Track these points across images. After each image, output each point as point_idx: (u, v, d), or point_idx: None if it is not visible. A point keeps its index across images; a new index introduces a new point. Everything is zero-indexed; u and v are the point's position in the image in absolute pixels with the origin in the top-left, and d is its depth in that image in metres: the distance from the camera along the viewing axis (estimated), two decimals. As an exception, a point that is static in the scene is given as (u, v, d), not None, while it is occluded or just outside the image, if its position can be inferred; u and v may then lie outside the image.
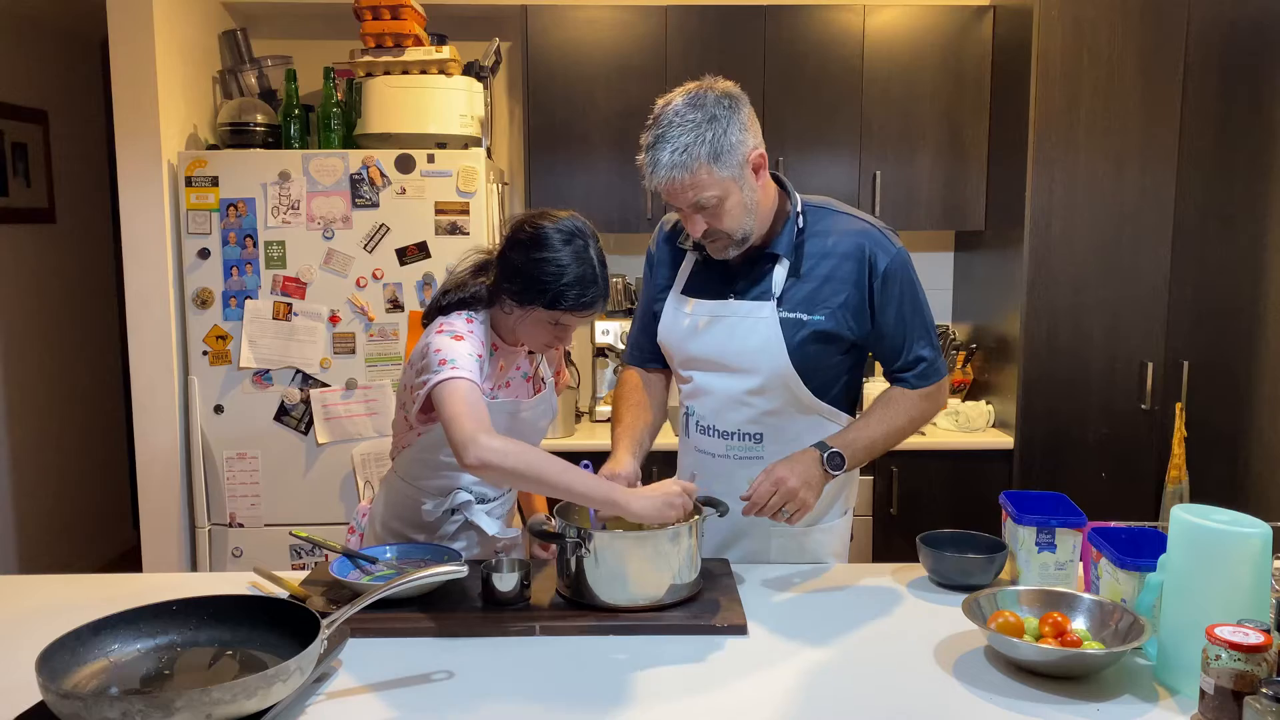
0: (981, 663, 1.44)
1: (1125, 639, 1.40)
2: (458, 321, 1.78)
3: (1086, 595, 1.52)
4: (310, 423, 3.09)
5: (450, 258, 2.93)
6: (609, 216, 3.39)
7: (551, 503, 1.87)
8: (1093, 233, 3.11)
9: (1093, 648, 1.40)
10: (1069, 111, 3.07)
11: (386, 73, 3.12)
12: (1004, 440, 3.23)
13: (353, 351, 3.08)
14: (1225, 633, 1.20)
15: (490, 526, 1.90)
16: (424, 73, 3.13)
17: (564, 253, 1.73)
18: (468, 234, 3.03)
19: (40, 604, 1.69)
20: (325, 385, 3.09)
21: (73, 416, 4.33)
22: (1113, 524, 1.67)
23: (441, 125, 3.13)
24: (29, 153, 4.03)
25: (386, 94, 3.11)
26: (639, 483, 1.78)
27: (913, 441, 3.19)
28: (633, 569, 1.58)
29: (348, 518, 3.11)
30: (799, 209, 1.81)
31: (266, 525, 3.12)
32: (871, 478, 3.22)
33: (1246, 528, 1.31)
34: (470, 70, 3.25)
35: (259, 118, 3.17)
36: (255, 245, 3.04)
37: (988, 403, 3.42)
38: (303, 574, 1.78)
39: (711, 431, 1.88)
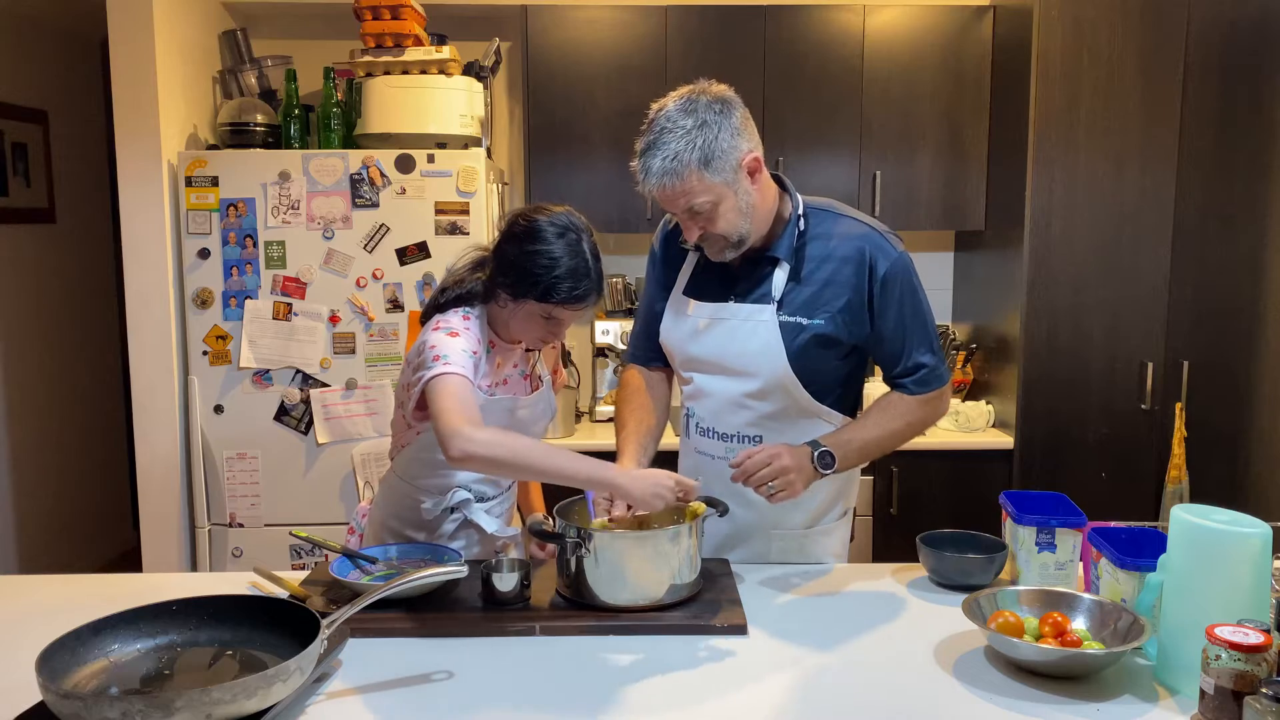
0: (981, 663, 1.44)
1: (1125, 639, 1.40)
2: (454, 318, 1.80)
3: (1086, 595, 1.52)
4: (310, 423, 3.09)
5: (450, 258, 2.91)
6: (609, 216, 3.39)
7: (550, 502, 1.87)
8: (1093, 233, 3.11)
9: (1093, 648, 1.40)
10: (1069, 111, 3.07)
11: (386, 73, 3.12)
12: (1004, 440, 3.23)
13: (353, 351, 3.08)
14: (1225, 633, 1.20)
15: (489, 525, 1.90)
16: (424, 73, 3.13)
17: (557, 245, 1.74)
18: (468, 234, 3.03)
19: (40, 604, 1.69)
20: (325, 385, 3.09)
21: (73, 416, 4.33)
22: (1113, 524, 1.67)
23: (441, 125, 3.13)
24: (29, 153, 4.03)
25: (386, 94, 3.11)
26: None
27: (913, 441, 3.15)
28: (633, 569, 1.58)
29: (348, 518, 3.10)
30: (800, 211, 1.80)
31: (266, 525, 3.12)
32: (871, 478, 3.22)
33: (1246, 528, 1.31)
34: (470, 70, 3.25)
35: (259, 118, 3.17)
36: (255, 245, 3.04)
37: (988, 403, 3.42)
38: (303, 574, 1.78)
39: (711, 433, 1.88)
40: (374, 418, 3.09)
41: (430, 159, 3.03)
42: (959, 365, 3.56)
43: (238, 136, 3.15)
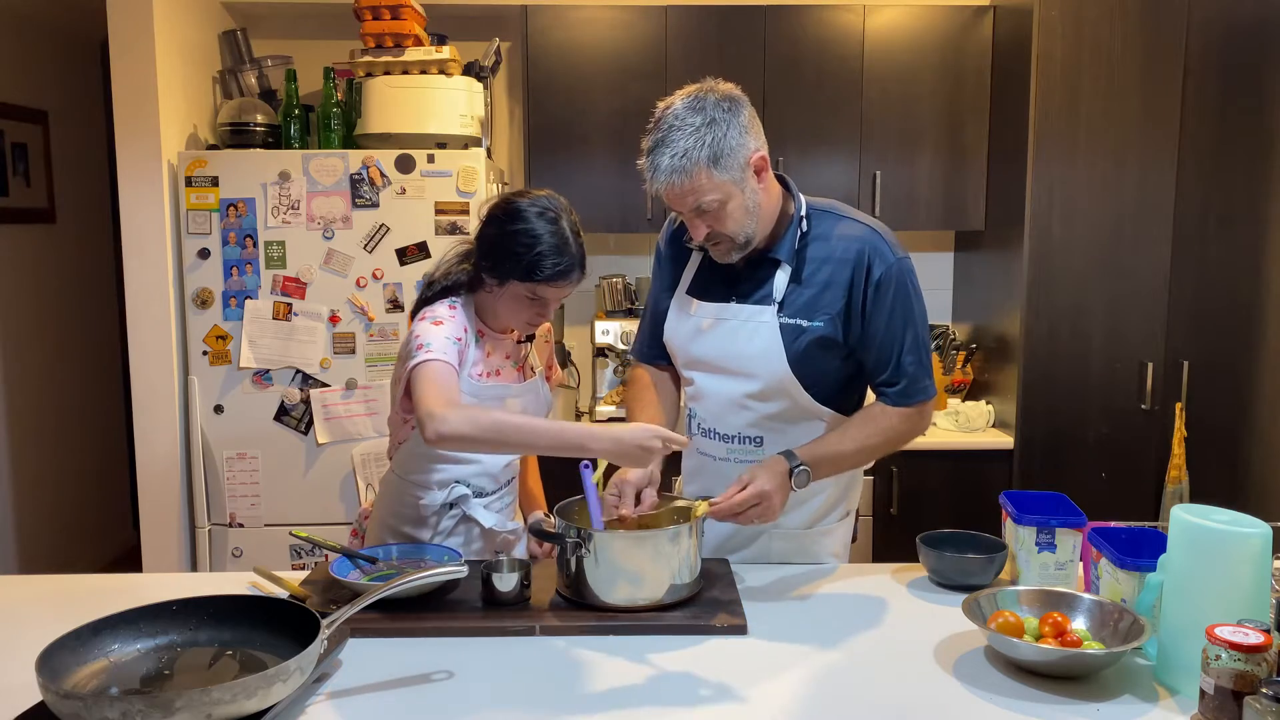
0: (981, 663, 1.44)
1: (1125, 639, 1.40)
2: (440, 308, 1.83)
3: (1086, 595, 1.52)
4: (310, 423, 3.09)
5: (450, 258, 2.93)
6: (609, 216, 3.39)
7: (552, 501, 1.88)
8: (1093, 233, 3.11)
9: (1093, 648, 1.40)
10: (1069, 111, 3.06)
11: (386, 73, 3.12)
12: (1004, 440, 3.23)
13: (353, 351, 3.08)
14: (1225, 633, 1.20)
15: (487, 520, 1.91)
16: (424, 73, 3.13)
17: (537, 224, 1.77)
18: (468, 234, 3.02)
19: (40, 604, 1.69)
20: (325, 385, 3.09)
21: (73, 416, 4.33)
22: (1113, 524, 1.67)
23: (441, 125, 3.13)
24: (29, 153, 4.03)
25: (386, 94, 3.10)
26: (659, 474, 1.76)
27: (913, 441, 3.19)
28: (632, 569, 1.58)
29: (348, 518, 3.12)
30: (803, 212, 1.79)
31: (266, 525, 3.12)
32: (872, 478, 3.22)
33: (1246, 528, 1.31)
34: (470, 70, 3.25)
35: (259, 118, 3.17)
36: (255, 245, 3.04)
37: (988, 403, 3.42)
38: (303, 574, 1.78)
39: (712, 434, 1.88)
40: (374, 418, 3.09)
41: (430, 159, 3.03)
42: (959, 365, 3.56)
43: (238, 136, 3.15)
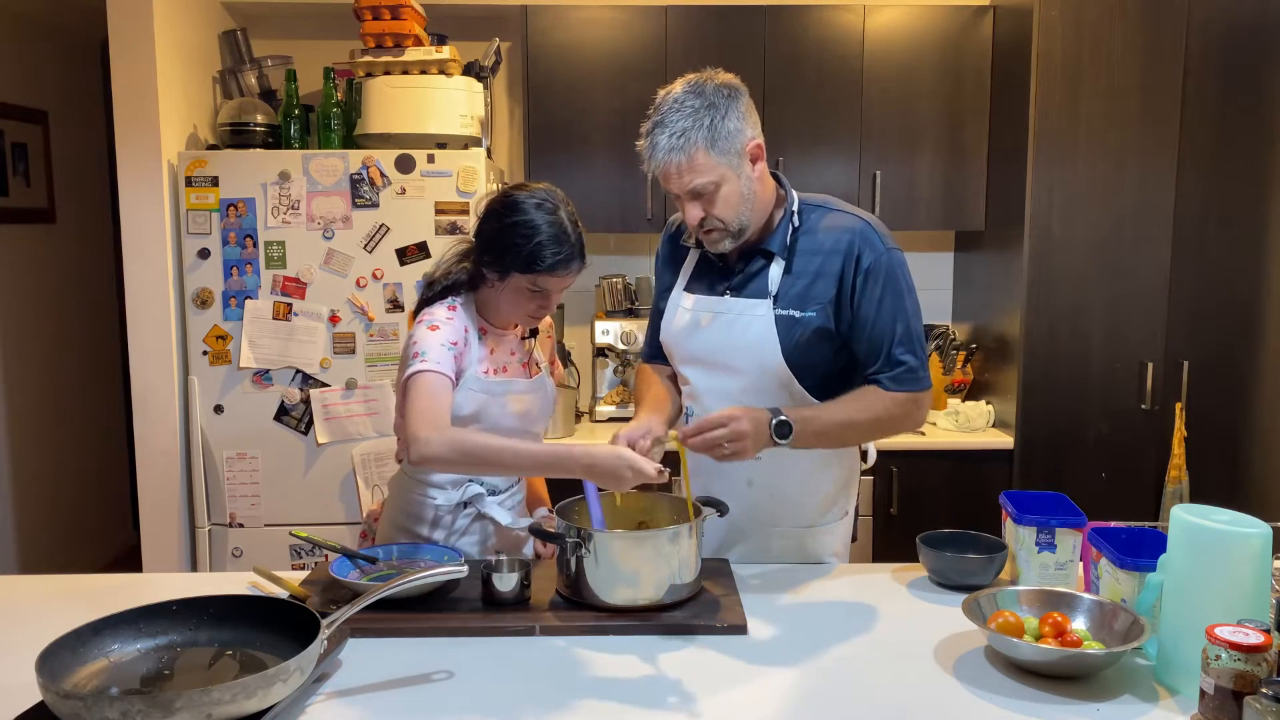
0: (981, 663, 1.44)
1: (1125, 639, 1.40)
2: (439, 310, 1.84)
3: (1086, 595, 1.52)
4: (310, 423, 3.09)
5: (450, 258, 2.94)
6: (609, 216, 3.39)
7: (555, 497, 1.88)
8: (1093, 233, 3.11)
9: (1093, 648, 1.40)
10: (1069, 111, 3.06)
11: (386, 73, 3.12)
12: (1004, 440, 3.23)
13: (353, 351, 3.08)
14: (1225, 633, 1.20)
15: (503, 517, 1.91)
16: (424, 73, 3.13)
17: (535, 215, 1.78)
18: (468, 234, 3.02)
19: (40, 604, 1.69)
20: (325, 385, 3.08)
21: (73, 416, 4.33)
22: (1113, 524, 1.67)
23: (441, 125, 3.13)
24: (29, 153, 4.03)
25: (386, 94, 3.10)
26: (665, 433, 1.76)
27: (913, 441, 3.23)
28: (633, 569, 1.58)
29: (348, 518, 3.12)
30: (795, 207, 1.81)
31: (266, 525, 3.12)
32: (872, 478, 3.21)
33: (1246, 528, 1.31)
34: (470, 70, 3.25)
35: (259, 118, 3.17)
36: (255, 245, 3.04)
37: (988, 403, 3.41)
38: (303, 574, 1.78)
39: None
40: (374, 418, 3.09)
41: (430, 159, 3.03)
42: (959, 365, 3.55)
43: (238, 136, 3.15)
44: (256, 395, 3.08)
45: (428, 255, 3.04)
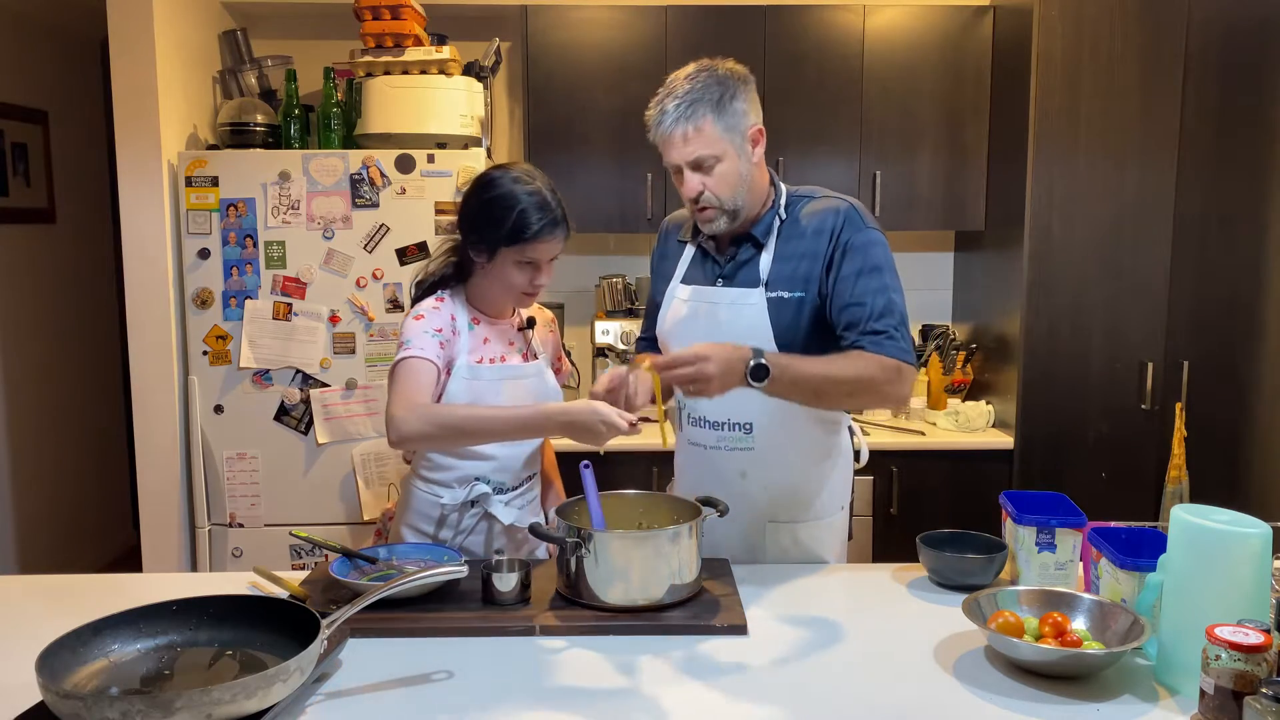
0: (981, 663, 1.44)
1: (1125, 639, 1.40)
2: (426, 302, 1.88)
3: (1086, 595, 1.52)
4: (310, 423, 3.09)
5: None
6: (609, 216, 3.39)
7: (570, 490, 1.88)
8: (1093, 233, 3.11)
9: (1093, 648, 1.40)
10: (1069, 111, 3.06)
11: (386, 73, 3.12)
12: (1004, 440, 3.23)
13: (353, 351, 3.08)
14: (1225, 633, 1.20)
15: (506, 516, 1.91)
16: (424, 73, 3.13)
17: (514, 188, 1.82)
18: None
19: (40, 604, 1.69)
20: (325, 385, 3.09)
21: (73, 416, 4.33)
22: (1113, 524, 1.67)
23: (441, 125, 3.13)
24: (29, 153, 4.03)
25: (386, 94, 3.11)
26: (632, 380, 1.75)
27: (913, 441, 3.23)
28: (633, 569, 1.58)
29: (348, 518, 3.12)
30: (783, 200, 1.86)
31: (266, 525, 3.12)
32: (871, 478, 3.21)
33: (1246, 528, 1.31)
34: (470, 70, 3.25)
35: (259, 118, 3.17)
36: (255, 245, 3.04)
37: (988, 403, 3.41)
38: (303, 574, 1.78)
39: (703, 423, 1.90)
40: (374, 418, 3.09)
41: (430, 159, 3.03)
42: (959, 365, 3.55)
43: (238, 136, 3.15)
44: (256, 395, 3.08)
45: (428, 255, 3.03)
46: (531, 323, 2.01)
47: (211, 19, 3.42)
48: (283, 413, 3.09)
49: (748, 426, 1.85)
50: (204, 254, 3.04)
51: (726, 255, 1.87)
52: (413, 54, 3.12)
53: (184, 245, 3.05)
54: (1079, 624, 1.48)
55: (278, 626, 1.36)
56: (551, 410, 1.70)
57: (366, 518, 3.10)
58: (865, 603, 1.70)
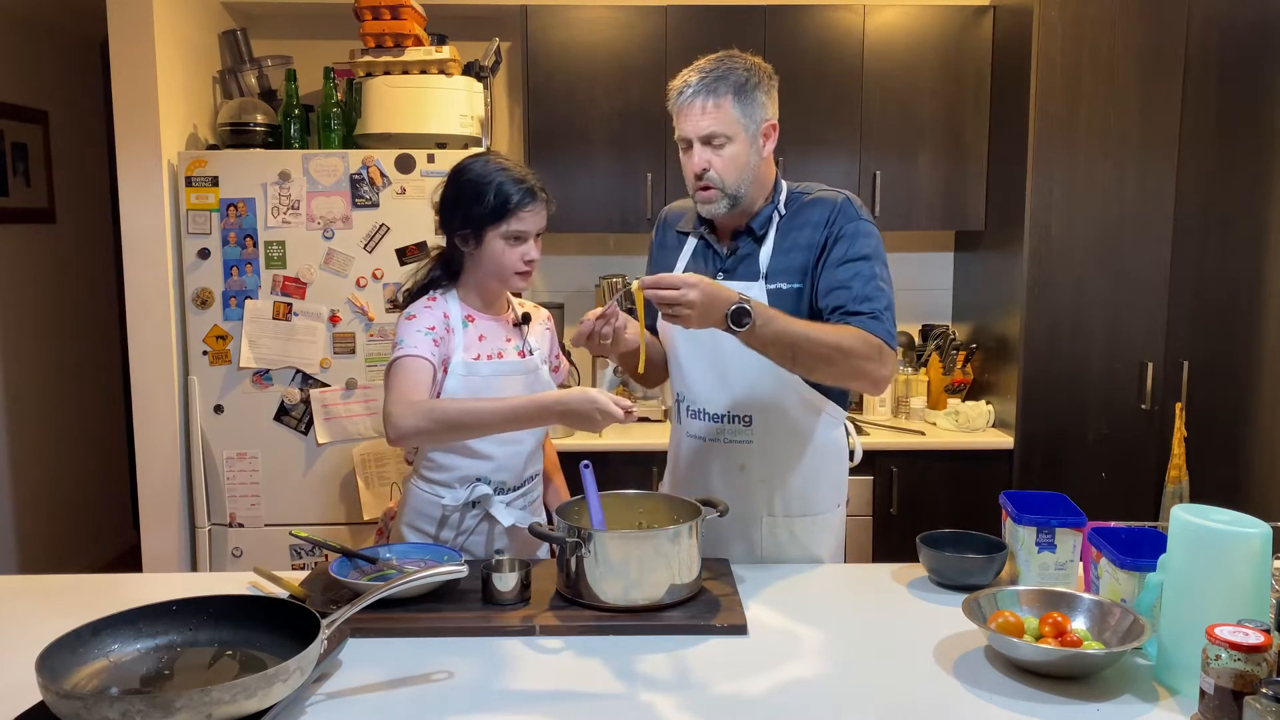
0: (981, 663, 1.44)
1: (1125, 639, 1.40)
2: (419, 302, 1.90)
3: (1086, 595, 1.52)
4: (310, 423, 3.09)
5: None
6: (609, 216, 3.39)
7: (573, 490, 1.88)
8: (1093, 233, 3.11)
9: (1093, 648, 1.40)
10: (1069, 111, 3.06)
11: (386, 73, 3.12)
12: (1004, 440, 3.23)
13: (353, 351, 3.08)
14: (1225, 633, 1.20)
15: (506, 518, 1.91)
16: (424, 73, 3.13)
17: (486, 168, 1.85)
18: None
19: (40, 604, 1.69)
20: (325, 385, 3.09)
21: (73, 416, 4.33)
22: (1113, 524, 1.67)
23: (441, 125, 3.13)
24: (29, 153, 4.03)
25: (386, 94, 3.11)
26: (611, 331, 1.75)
27: (913, 441, 3.23)
28: (632, 569, 1.58)
29: (348, 518, 3.12)
30: (783, 196, 1.88)
31: (266, 525, 3.12)
32: (871, 477, 3.22)
33: (1246, 528, 1.31)
34: (470, 70, 3.25)
35: (259, 118, 3.17)
36: (255, 245, 3.04)
37: (988, 403, 3.41)
38: (303, 574, 1.78)
39: (702, 414, 1.91)
40: (374, 418, 3.09)
41: (430, 159, 3.03)
42: (959, 365, 3.55)
43: (238, 136, 3.15)
44: (256, 395, 3.08)
45: (428, 255, 3.03)
46: (527, 318, 2.01)
47: (211, 19, 3.42)
48: (283, 413, 3.09)
49: (747, 420, 1.86)
50: (204, 254, 3.04)
51: (728, 249, 1.89)
52: (413, 54, 3.12)
53: (184, 245, 3.05)
54: (1079, 624, 1.48)
55: (278, 626, 1.36)
56: (547, 399, 1.71)
57: (367, 518, 3.10)
58: (865, 603, 1.70)
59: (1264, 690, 1.13)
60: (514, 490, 1.95)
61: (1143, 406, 3.15)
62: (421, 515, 1.93)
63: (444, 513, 1.91)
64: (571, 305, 3.74)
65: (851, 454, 2.01)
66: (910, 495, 3.24)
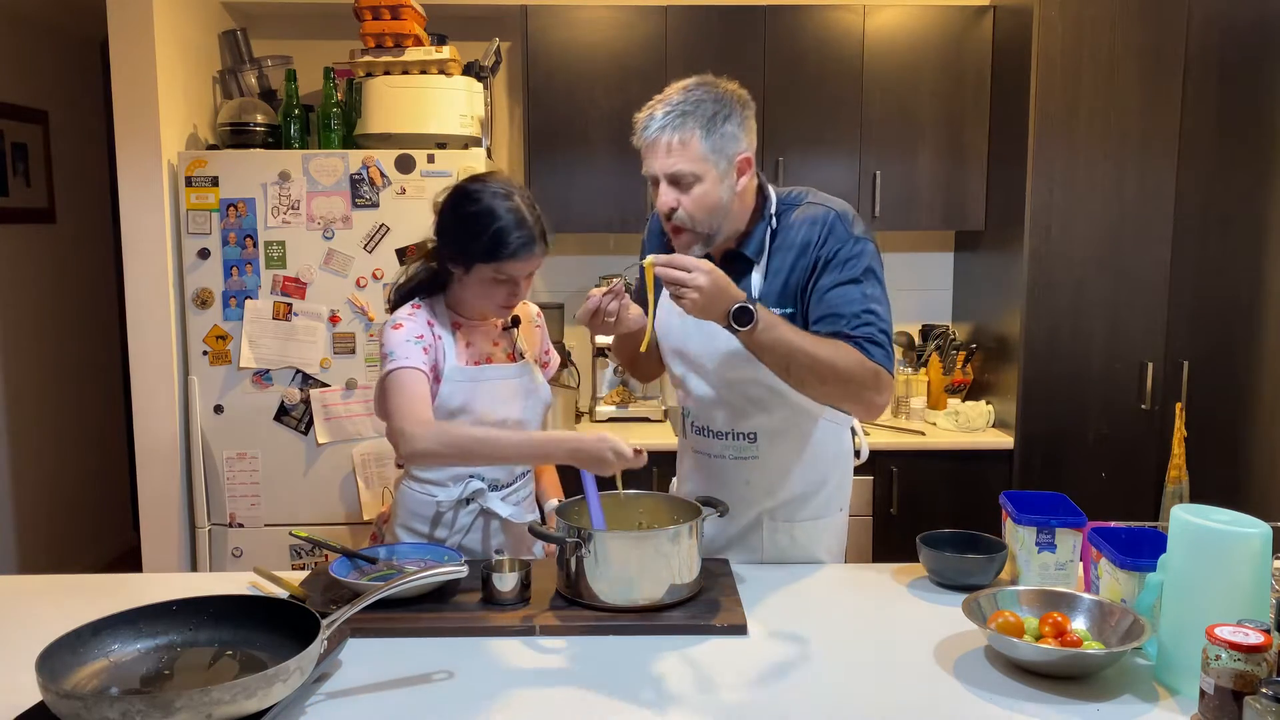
0: (981, 663, 1.44)
1: (1125, 639, 1.40)
2: (402, 310, 1.86)
3: (1086, 595, 1.52)
4: (310, 423, 3.09)
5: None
6: (609, 216, 3.38)
7: (571, 489, 1.88)
8: (1093, 233, 3.11)
9: (1093, 648, 1.40)
10: (1069, 111, 3.06)
11: (386, 73, 3.12)
12: (1004, 440, 3.23)
13: (353, 351, 3.08)
14: (1225, 633, 1.20)
15: (504, 510, 1.91)
16: (424, 73, 3.13)
17: (493, 203, 1.78)
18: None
19: (40, 604, 1.69)
20: (325, 385, 3.09)
21: (73, 416, 4.33)
22: (1113, 524, 1.67)
23: (441, 125, 3.13)
24: (29, 153, 4.03)
25: (386, 94, 3.11)
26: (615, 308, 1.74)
27: (913, 441, 3.23)
28: (632, 569, 1.58)
29: (348, 518, 3.12)
30: (773, 210, 1.80)
31: (266, 525, 3.12)
32: (871, 478, 3.22)
33: (1246, 528, 1.31)
34: (470, 70, 3.25)
35: (259, 118, 3.17)
36: (255, 245, 3.04)
37: (988, 403, 3.41)
38: (303, 574, 1.78)
39: (706, 431, 1.89)
40: (374, 418, 3.08)
41: (430, 159, 3.03)
42: (959, 365, 3.55)
43: (238, 136, 3.15)
44: (256, 395, 3.08)
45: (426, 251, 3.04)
46: (516, 322, 1.99)
47: (211, 19, 3.42)
48: (283, 413, 3.09)
49: (752, 436, 1.85)
50: (204, 254, 3.04)
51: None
52: (413, 54, 3.11)
53: (184, 245, 3.05)
54: (1079, 624, 1.48)
55: (278, 626, 1.36)
56: (563, 438, 1.71)
57: (366, 518, 3.10)
58: (865, 603, 1.70)
59: (1264, 690, 1.13)
60: (506, 487, 1.95)
61: (1143, 406, 3.15)
62: (415, 516, 1.92)
63: (438, 510, 1.90)
64: (571, 305, 3.74)
65: (858, 453, 2.00)
66: (910, 495, 3.24)
